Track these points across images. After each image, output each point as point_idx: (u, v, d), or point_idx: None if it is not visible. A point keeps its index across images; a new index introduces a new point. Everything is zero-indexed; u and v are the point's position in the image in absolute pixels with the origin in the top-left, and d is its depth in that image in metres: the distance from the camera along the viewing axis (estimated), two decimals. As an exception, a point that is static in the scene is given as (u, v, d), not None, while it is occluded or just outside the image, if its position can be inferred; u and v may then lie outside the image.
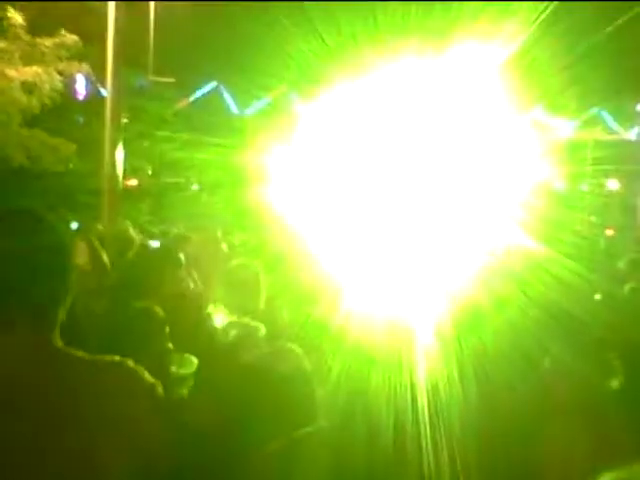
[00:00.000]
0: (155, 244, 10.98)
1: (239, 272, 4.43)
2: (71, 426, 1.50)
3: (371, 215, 4.33)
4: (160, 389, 1.66)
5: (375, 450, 2.11)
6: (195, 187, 33.32)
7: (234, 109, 25.42)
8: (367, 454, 2.09)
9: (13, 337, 1.52)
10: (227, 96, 25.19)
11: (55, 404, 1.50)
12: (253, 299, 4.17)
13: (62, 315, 1.61)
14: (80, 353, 1.60)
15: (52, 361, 1.57)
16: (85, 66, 15.27)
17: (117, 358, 1.63)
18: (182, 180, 26.94)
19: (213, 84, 25.02)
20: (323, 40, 14.04)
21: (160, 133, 22.11)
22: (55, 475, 1.48)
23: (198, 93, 25.03)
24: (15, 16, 13.86)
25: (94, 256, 6.74)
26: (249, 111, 25.58)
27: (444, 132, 4.65)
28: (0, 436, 1.45)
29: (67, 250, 1.66)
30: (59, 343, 1.58)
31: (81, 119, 21.35)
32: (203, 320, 3.97)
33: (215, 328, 3.71)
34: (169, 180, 24.34)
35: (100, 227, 9.53)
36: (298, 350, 2.60)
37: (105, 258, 6.13)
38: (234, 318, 3.71)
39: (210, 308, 4.10)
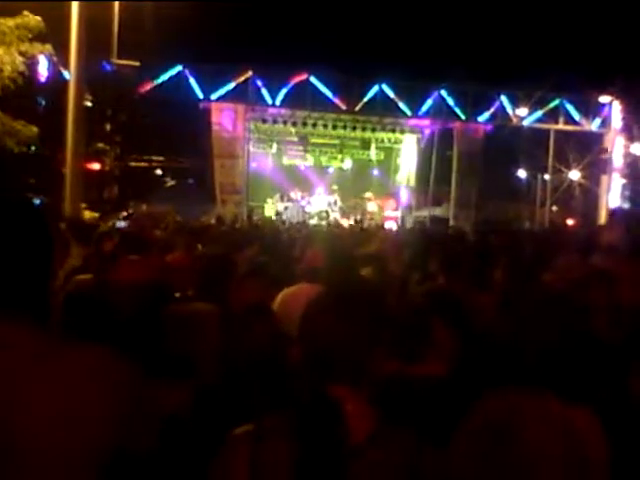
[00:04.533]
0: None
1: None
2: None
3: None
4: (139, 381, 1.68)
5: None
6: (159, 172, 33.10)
7: (199, 94, 25.17)
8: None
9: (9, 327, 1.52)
10: (192, 80, 24.92)
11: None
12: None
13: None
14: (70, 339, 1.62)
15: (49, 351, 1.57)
16: (48, 47, 15.03)
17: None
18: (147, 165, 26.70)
19: (178, 68, 24.72)
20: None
21: (124, 117, 21.84)
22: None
23: (163, 77, 24.72)
24: (-24, -4, 13.58)
25: (59, 240, 6.68)
26: (214, 96, 25.36)
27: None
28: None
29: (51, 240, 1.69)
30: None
31: (43, 102, 21.01)
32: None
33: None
34: (133, 164, 24.06)
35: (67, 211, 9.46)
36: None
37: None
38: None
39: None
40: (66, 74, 17.05)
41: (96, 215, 17.17)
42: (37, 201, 15.11)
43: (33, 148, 17.72)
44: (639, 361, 2.75)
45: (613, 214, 10.70)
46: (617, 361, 2.75)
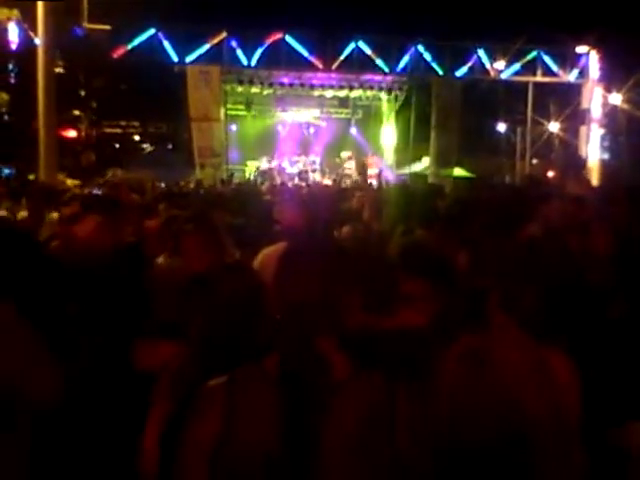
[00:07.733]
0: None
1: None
2: None
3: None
4: None
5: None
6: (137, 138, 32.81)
7: (174, 57, 24.80)
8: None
9: None
10: (167, 43, 24.53)
11: None
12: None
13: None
14: None
15: None
16: (15, 12, 14.75)
17: None
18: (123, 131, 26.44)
19: (151, 31, 24.30)
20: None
21: (98, 82, 21.56)
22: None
23: (136, 41, 24.30)
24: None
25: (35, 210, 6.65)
26: (189, 59, 25.02)
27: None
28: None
29: None
30: None
31: (16, 69, 20.68)
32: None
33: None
34: (109, 131, 23.82)
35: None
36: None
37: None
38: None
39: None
40: (37, 41, 16.78)
41: (77, 182, 17.03)
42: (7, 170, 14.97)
43: (6, 117, 17.51)
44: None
45: (578, 162, 10.72)
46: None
